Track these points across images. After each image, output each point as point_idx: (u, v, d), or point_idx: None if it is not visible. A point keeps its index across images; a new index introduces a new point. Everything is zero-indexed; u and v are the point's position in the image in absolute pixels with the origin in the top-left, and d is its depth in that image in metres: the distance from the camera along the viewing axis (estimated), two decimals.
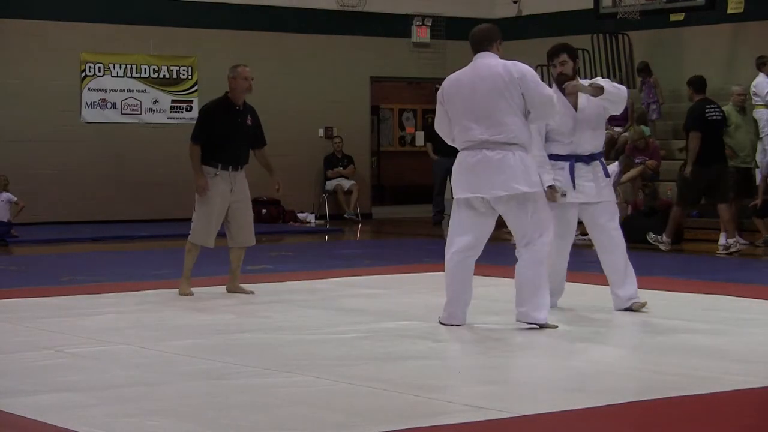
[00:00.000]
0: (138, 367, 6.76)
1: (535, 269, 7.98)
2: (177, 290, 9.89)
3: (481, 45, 8.18)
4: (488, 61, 8.08)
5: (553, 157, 8.72)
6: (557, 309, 8.68)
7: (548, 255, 8.11)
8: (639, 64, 18.64)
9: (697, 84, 14.65)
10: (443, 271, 8.23)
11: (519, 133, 7.96)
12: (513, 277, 8.05)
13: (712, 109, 14.44)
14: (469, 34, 8.29)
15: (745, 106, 15.59)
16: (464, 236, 8.12)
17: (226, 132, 9.75)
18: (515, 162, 7.95)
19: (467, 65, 8.23)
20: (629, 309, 8.78)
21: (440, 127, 8.34)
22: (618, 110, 8.95)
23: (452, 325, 8.09)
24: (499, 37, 8.21)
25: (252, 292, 9.93)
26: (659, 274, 11.49)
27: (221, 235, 9.96)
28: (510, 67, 8.02)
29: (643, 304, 8.80)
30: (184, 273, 9.85)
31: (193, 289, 10.01)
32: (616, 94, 8.71)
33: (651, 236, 14.55)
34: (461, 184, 8.13)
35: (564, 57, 8.80)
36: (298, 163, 20.09)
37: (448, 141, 8.33)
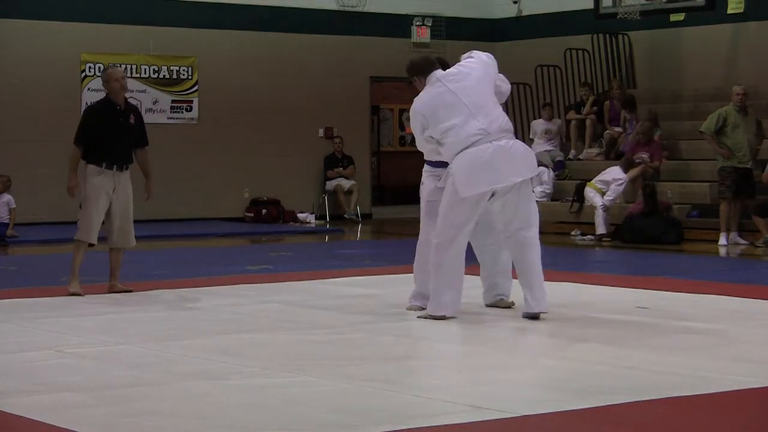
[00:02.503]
0: (138, 367, 6.76)
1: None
2: (173, 291, 9.94)
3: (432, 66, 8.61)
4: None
5: None
6: (563, 308, 8.67)
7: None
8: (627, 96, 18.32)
9: None
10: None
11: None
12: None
13: None
14: (412, 63, 8.76)
15: (746, 106, 15.57)
16: None
17: (109, 132, 9.85)
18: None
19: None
20: (495, 305, 8.84)
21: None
22: None
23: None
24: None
25: (130, 290, 9.95)
26: (659, 274, 11.49)
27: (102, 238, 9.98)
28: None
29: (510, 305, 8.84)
30: (73, 272, 9.82)
31: (193, 290, 10.05)
32: None
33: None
34: None
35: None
36: (298, 163, 20.09)
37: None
